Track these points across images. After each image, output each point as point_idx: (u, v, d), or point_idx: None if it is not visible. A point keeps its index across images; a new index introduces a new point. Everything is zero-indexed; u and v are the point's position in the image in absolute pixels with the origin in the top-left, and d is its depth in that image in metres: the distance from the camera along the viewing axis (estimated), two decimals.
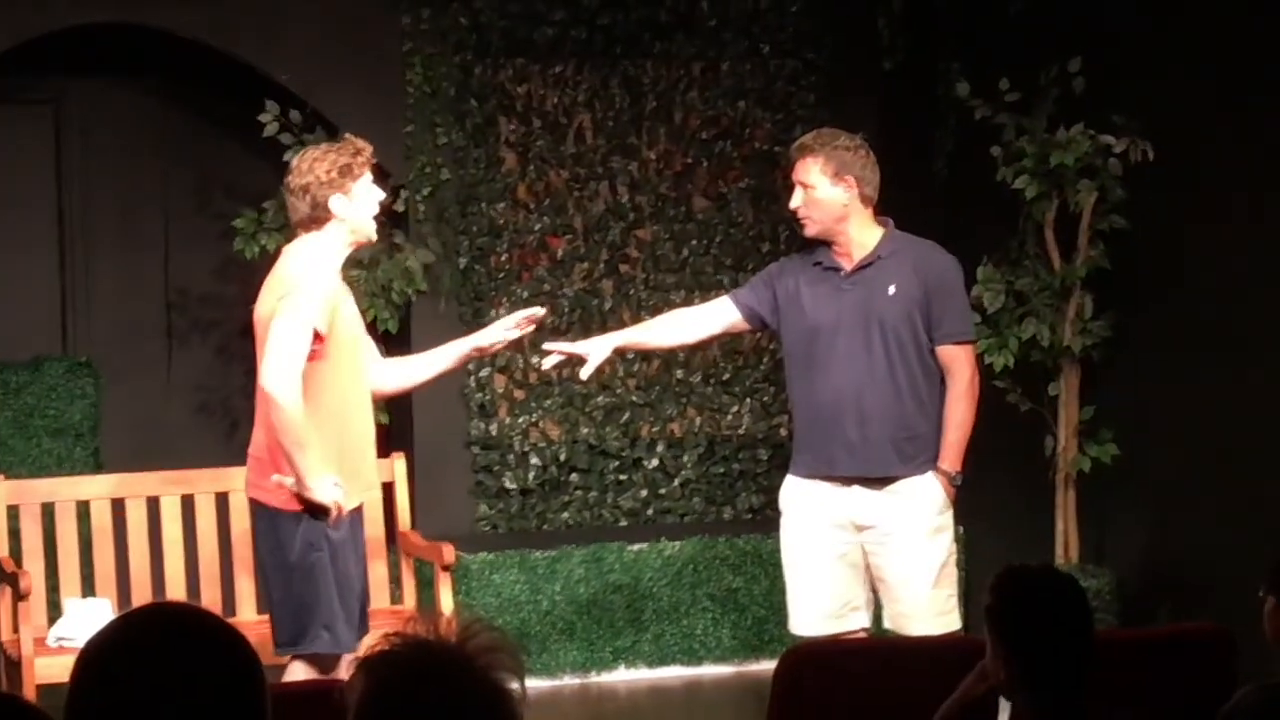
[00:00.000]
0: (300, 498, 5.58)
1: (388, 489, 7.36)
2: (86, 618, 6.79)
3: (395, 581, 7.46)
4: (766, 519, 8.15)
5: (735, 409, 8.86)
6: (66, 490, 7.23)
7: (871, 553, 5.98)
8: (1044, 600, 3.84)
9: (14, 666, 6.65)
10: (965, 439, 5.98)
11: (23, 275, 8.82)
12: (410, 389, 6.44)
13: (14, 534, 7.10)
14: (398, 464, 7.45)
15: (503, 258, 8.65)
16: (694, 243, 8.83)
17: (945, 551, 6.00)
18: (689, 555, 8.17)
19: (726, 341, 8.43)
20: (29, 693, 6.46)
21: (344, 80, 8.36)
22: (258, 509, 5.74)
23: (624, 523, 8.69)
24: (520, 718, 2.49)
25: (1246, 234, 7.08)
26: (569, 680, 8.03)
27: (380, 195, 5.80)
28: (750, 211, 8.88)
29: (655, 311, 8.67)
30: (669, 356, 8.69)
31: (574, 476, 8.68)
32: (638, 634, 8.09)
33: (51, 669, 6.53)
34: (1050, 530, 7.74)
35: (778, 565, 6.24)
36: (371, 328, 6.90)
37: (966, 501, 6.37)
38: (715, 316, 6.23)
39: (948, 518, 6.02)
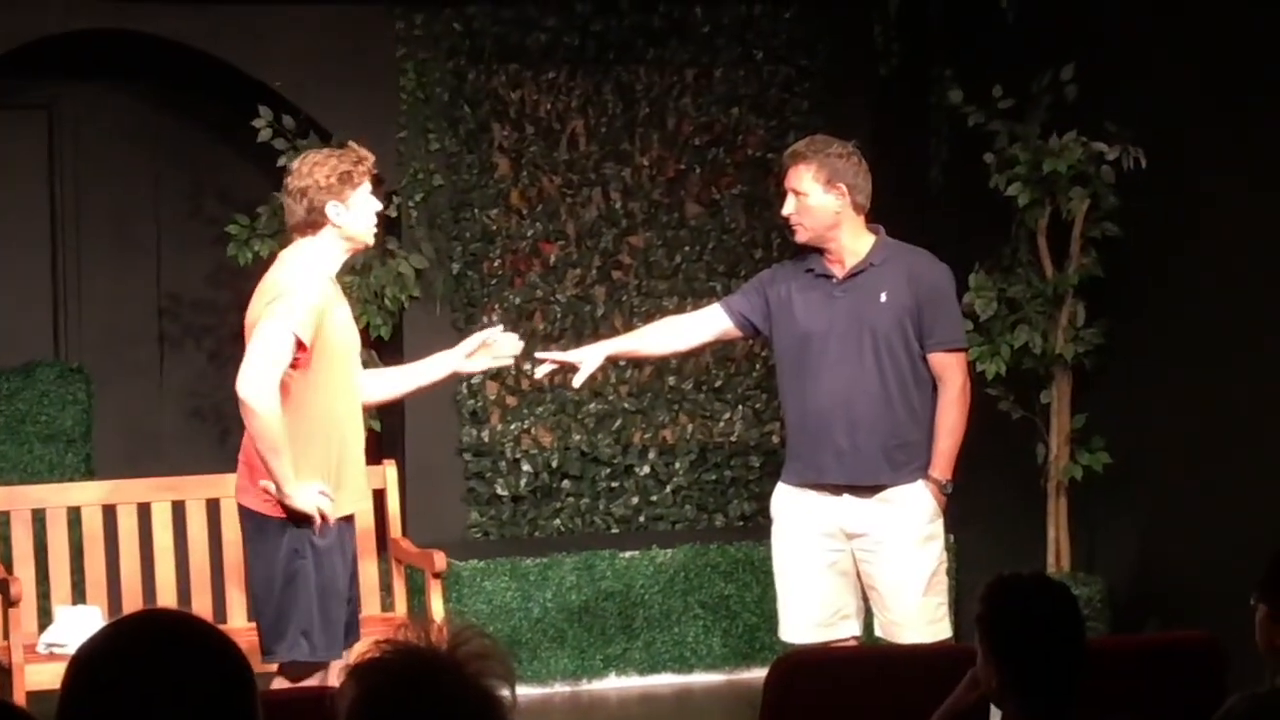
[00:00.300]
0: (285, 505, 5.58)
1: (379, 495, 7.35)
2: (77, 624, 6.78)
3: (386, 588, 7.45)
4: (758, 526, 8.14)
5: (727, 416, 8.86)
6: (57, 496, 7.21)
7: (862, 561, 5.98)
8: (1035, 608, 3.84)
9: (4, 673, 6.64)
10: (956, 447, 5.98)
11: (15, 280, 8.82)
12: (392, 400, 6.44)
13: (4, 540, 7.10)
14: (389, 470, 7.44)
15: (495, 264, 8.65)
16: (687, 249, 8.83)
17: (936, 560, 6.00)
18: (681, 562, 8.17)
19: (718, 348, 8.43)
20: (19, 699, 6.44)
21: (337, 86, 8.36)
22: (245, 515, 5.74)
23: (615, 530, 8.68)
24: None
25: (1239, 241, 7.09)
26: (560, 687, 8.03)
27: (378, 205, 5.78)
28: (743, 218, 8.88)
29: (648, 318, 8.68)
30: (661, 363, 8.68)
31: (566, 483, 8.68)
32: (629, 641, 8.09)
33: (42, 676, 6.52)
34: (1042, 538, 7.74)
35: (769, 573, 6.23)
36: (364, 334, 6.89)
37: (958, 509, 6.37)
38: (707, 324, 6.23)
39: (938, 526, 6.02)
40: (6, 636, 6.67)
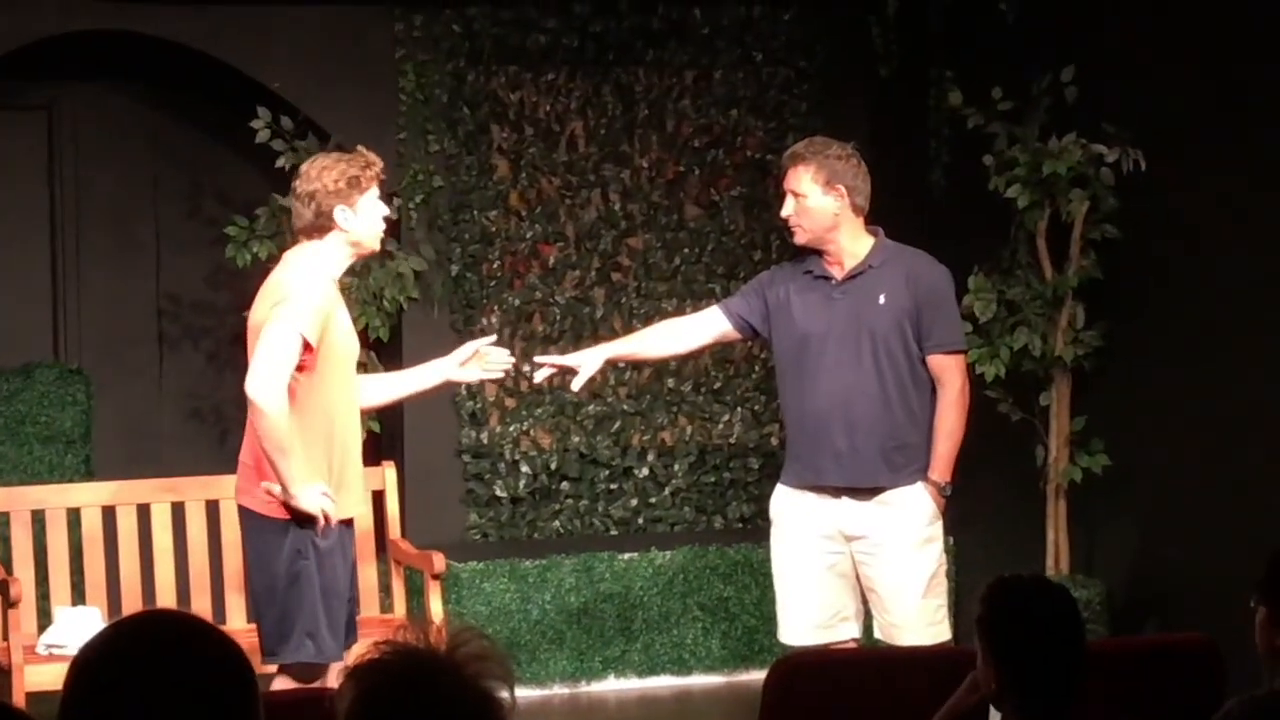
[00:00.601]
0: (288, 506, 5.58)
1: (378, 497, 7.35)
2: (76, 625, 6.78)
3: (385, 590, 7.45)
4: (757, 528, 8.15)
5: (726, 418, 8.86)
6: (57, 498, 7.21)
7: (861, 563, 5.98)
8: (1036, 610, 3.84)
9: (4, 674, 6.64)
10: (955, 449, 5.98)
11: (14, 281, 8.81)
12: (387, 406, 6.46)
13: (4, 541, 7.10)
14: (388, 472, 7.44)
15: (494, 265, 8.65)
16: (686, 251, 8.84)
17: (935, 562, 6.00)
18: (679, 564, 8.17)
19: (717, 350, 8.42)
20: (18, 700, 6.44)
21: (336, 87, 8.36)
22: (246, 516, 5.74)
23: (614, 532, 8.68)
24: None
25: (1238, 244, 7.09)
26: (558, 689, 8.03)
27: (385, 211, 5.79)
28: (742, 220, 8.89)
29: (647, 320, 8.68)
30: (660, 366, 8.68)
31: (565, 485, 8.68)
32: (628, 643, 8.09)
33: (42, 677, 6.52)
34: (1041, 540, 7.74)
35: (768, 575, 6.23)
36: (363, 335, 6.89)
37: (957, 511, 6.37)
38: (706, 326, 6.23)
39: (937, 528, 6.02)
40: (6, 637, 6.66)
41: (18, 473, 8.26)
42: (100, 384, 8.65)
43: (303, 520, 5.60)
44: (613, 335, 8.67)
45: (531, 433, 8.68)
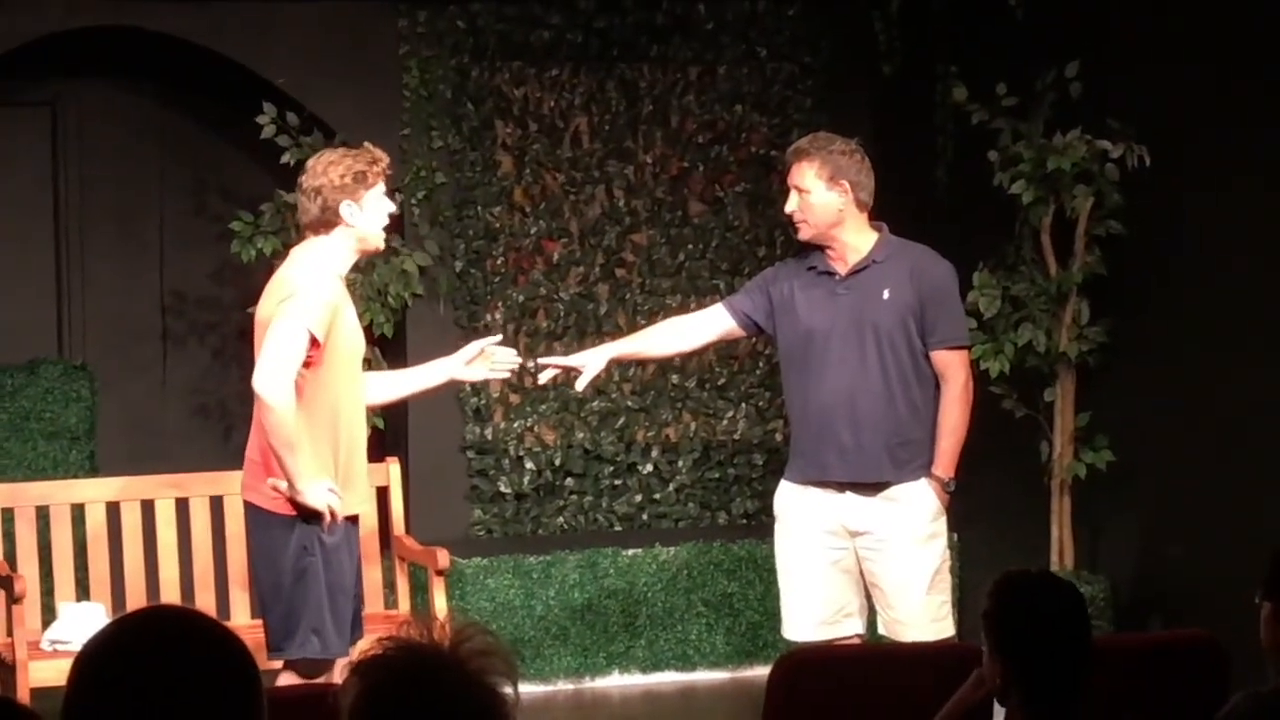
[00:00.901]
0: (294, 501, 5.59)
1: (383, 493, 7.36)
2: (81, 621, 6.79)
3: (389, 586, 7.45)
4: (761, 524, 8.15)
5: (730, 414, 8.86)
6: (61, 493, 7.22)
7: (865, 559, 5.98)
8: (1043, 606, 3.83)
9: (8, 670, 6.64)
10: (959, 445, 5.97)
11: (19, 277, 8.82)
12: (392, 403, 6.47)
13: (9, 537, 7.09)
14: (393, 468, 7.44)
15: (498, 261, 8.64)
16: (690, 247, 8.83)
17: (939, 558, 6.00)
18: (684, 560, 8.17)
19: (722, 346, 8.42)
20: (23, 696, 6.45)
21: (340, 83, 8.36)
22: (252, 512, 5.74)
23: (619, 528, 8.68)
24: None
25: (1243, 239, 7.08)
26: (563, 685, 8.03)
27: (391, 207, 5.79)
28: (746, 216, 8.88)
29: (651, 316, 8.69)
30: (664, 362, 8.69)
31: (569, 481, 8.68)
32: (632, 639, 8.09)
33: (46, 672, 6.52)
34: (1045, 536, 7.74)
35: (772, 570, 6.23)
36: (368, 331, 6.89)
37: (961, 507, 6.37)
38: (710, 324, 6.22)
39: (941, 524, 6.02)
40: (10, 633, 6.67)
41: (22, 469, 8.27)
42: (105, 380, 8.65)
43: (309, 516, 5.60)
44: (617, 331, 8.68)
45: (536, 429, 8.68)
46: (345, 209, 5.65)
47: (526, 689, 7.49)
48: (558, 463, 8.65)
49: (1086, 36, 7.72)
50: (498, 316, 8.61)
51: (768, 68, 8.89)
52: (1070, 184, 7.52)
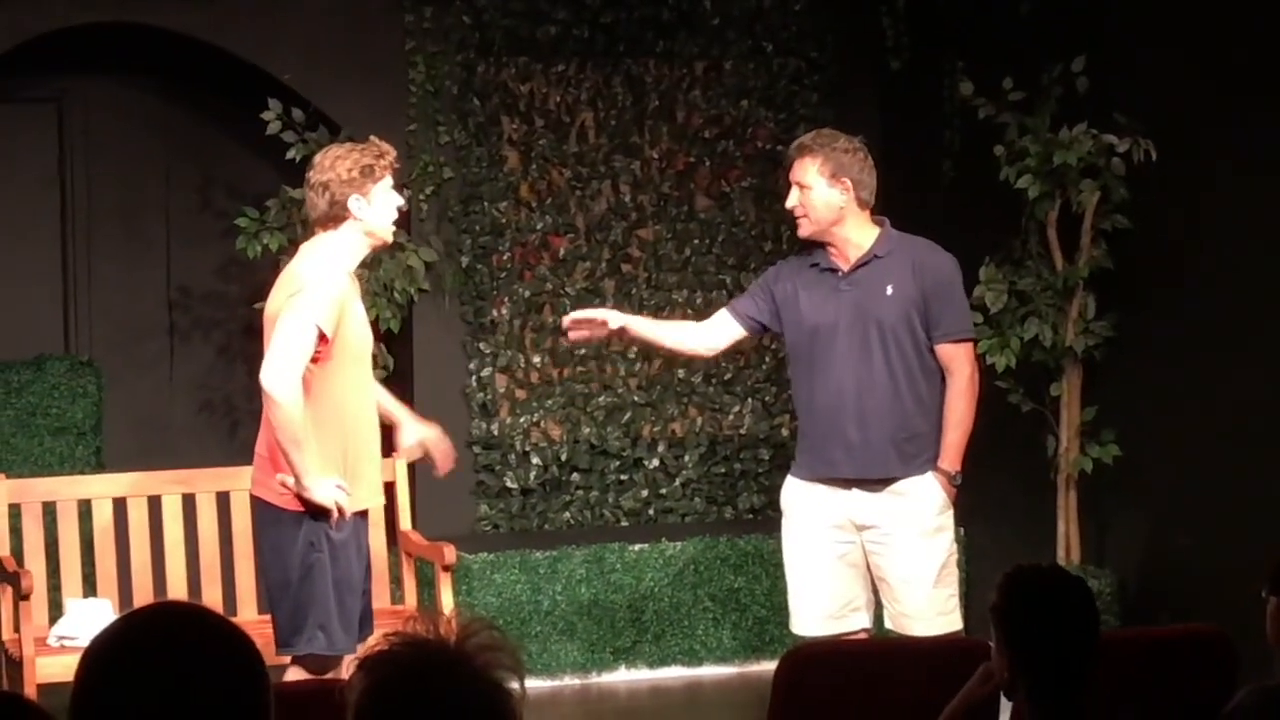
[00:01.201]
0: (301, 497, 5.59)
1: (389, 489, 7.35)
2: (88, 617, 6.79)
3: (396, 581, 7.46)
4: (768, 519, 8.14)
5: (737, 409, 8.86)
6: (68, 489, 7.22)
7: (872, 553, 5.98)
8: (1051, 601, 3.83)
9: (15, 666, 6.65)
10: (965, 438, 5.98)
11: (25, 274, 8.83)
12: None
13: (15, 533, 7.10)
14: (399, 464, 7.43)
15: (505, 257, 8.65)
16: (696, 242, 8.83)
17: (945, 551, 6.00)
18: (690, 556, 8.17)
19: None
20: (30, 692, 6.45)
21: (346, 79, 8.36)
22: (260, 507, 5.75)
23: (625, 523, 8.68)
24: (519, 717, 2.49)
25: (1249, 234, 7.08)
26: (569, 680, 8.03)
27: (399, 200, 5.79)
28: (753, 211, 8.88)
29: (657, 311, 8.70)
30: (671, 357, 8.69)
31: (575, 476, 8.68)
32: (638, 634, 8.09)
33: (53, 668, 6.53)
34: (1052, 531, 7.74)
35: (779, 565, 6.23)
36: (374, 327, 6.90)
37: (967, 502, 6.36)
38: (718, 331, 6.22)
39: (948, 517, 6.02)
40: (17, 629, 6.67)
41: (29, 465, 8.27)
42: (111, 376, 8.66)
43: (316, 512, 5.60)
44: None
45: (542, 424, 8.68)
46: (353, 203, 5.65)
47: (533, 684, 7.50)
48: (564, 458, 8.65)
49: (1093, 31, 7.72)
50: (504, 312, 8.61)
51: (774, 63, 8.89)
52: (1076, 178, 7.52)
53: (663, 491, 8.76)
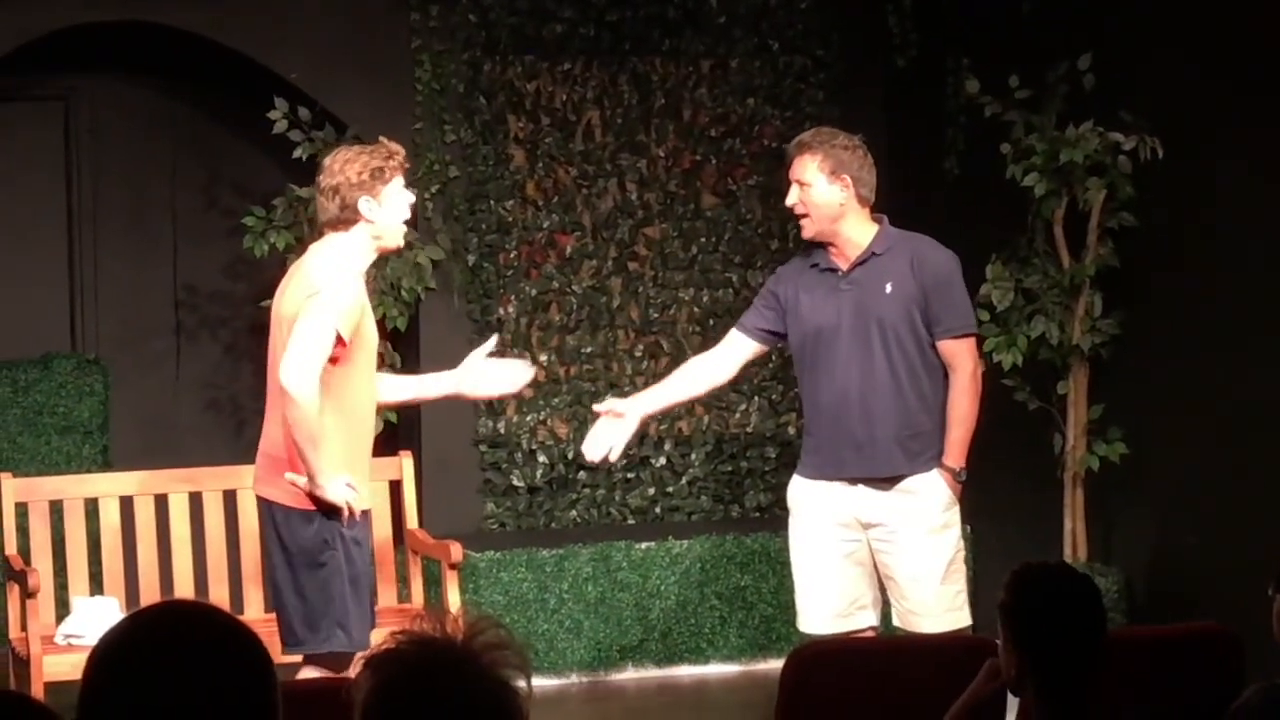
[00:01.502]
0: (313, 496, 5.59)
1: (396, 487, 7.36)
2: (94, 616, 6.80)
3: (403, 579, 7.46)
4: (775, 517, 8.14)
5: (743, 407, 8.86)
6: (75, 488, 7.22)
7: (878, 551, 5.98)
8: (1059, 599, 3.83)
9: (22, 664, 6.66)
10: (969, 434, 5.98)
11: (32, 272, 8.83)
12: (396, 405, 6.54)
13: (22, 531, 7.10)
14: (405, 462, 7.44)
15: (511, 255, 8.65)
16: (702, 240, 8.83)
17: (952, 548, 6.00)
18: (697, 554, 8.17)
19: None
20: (37, 690, 6.46)
21: (353, 77, 8.36)
22: (268, 507, 5.74)
23: (632, 521, 8.68)
24: (526, 716, 2.49)
25: (1256, 232, 7.07)
26: (576, 679, 8.03)
27: (410, 200, 5.79)
28: (759, 209, 8.88)
29: (664, 310, 8.70)
30: (676, 354, 8.71)
31: (582, 475, 8.68)
32: (645, 632, 8.09)
33: (59, 667, 6.54)
34: (1058, 529, 7.73)
35: (786, 563, 6.23)
36: (380, 325, 6.90)
37: (974, 500, 6.36)
38: (734, 352, 6.21)
39: (954, 514, 6.02)
40: (24, 628, 6.68)
41: (35, 463, 8.28)
42: (118, 374, 8.66)
43: (328, 511, 5.61)
44: (629, 325, 8.70)
45: (549, 422, 8.68)
46: (364, 205, 5.65)
47: (540, 682, 7.49)
48: (570, 456, 8.64)
49: (1099, 28, 7.71)
50: (510, 310, 8.61)
51: (780, 61, 8.88)
52: (1083, 176, 7.51)
53: (670, 490, 8.76)
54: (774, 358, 8.83)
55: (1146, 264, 7.55)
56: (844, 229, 5.96)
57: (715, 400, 8.81)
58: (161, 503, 7.15)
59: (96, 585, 7.12)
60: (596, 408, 6.30)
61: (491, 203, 8.60)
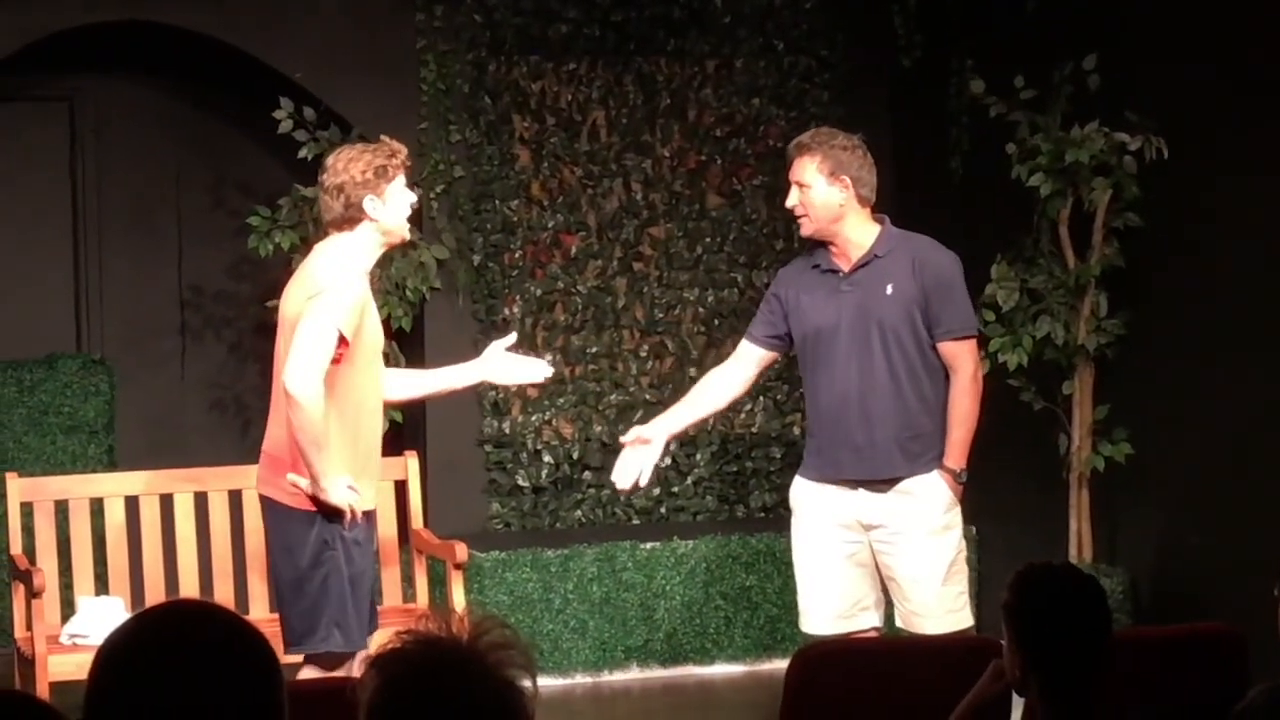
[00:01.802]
0: (314, 498, 5.59)
1: (401, 487, 7.37)
2: (100, 615, 6.80)
3: (408, 579, 7.46)
4: (779, 517, 8.14)
5: (748, 407, 8.86)
6: (80, 488, 7.23)
7: (880, 552, 5.98)
8: (1064, 599, 3.83)
9: (27, 664, 6.66)
10: (969, 436, 5.97)
11: (37, 273, 8.84)
12: (410, 401, 6.52)
13: (28, 531, 7.11)
14: (411, 462, 7.44)
15: (516, 255, 8.65)
16: (708, 240, 8.83)
17: (953, 549, 5.99)
18: (702, 554, 8.17)
19: (735, 341, 8.41)
20: (42, 690, 6.46)
21: (358, 77, 8.37)
22: (271, 507, 5.75)
23: (636, 521, 8.68)
24: (531, 716, 2.49)
25: (1261, 232, 7.07)
26: (581, 679, 8.03)
27: (413, 198, 5.80)
28: (764, 209, 8.88)
29: (669, 310, 8.70)
30: (681, 354, 8.72)
31: (587, 474, 8.68)
32: (650, 632, 8.09)
33: (65, 666, 6.54)
34: (1064, 529, 7.73)
35: (790, 564, 6.23)
36: (385, 325, 6.91)
37: (979, 500, 6.36)
38: (746, 362, 6.20)
39: (955, 515, 6.01)
40: (29, 628, 6.68)
41: (41, 463, 8.29)
42: (123, 374, 8.67)
43: (329, 512, 5.61)
44: (633, 325, 8.70)
45: (554, 422, 8.68)
46: (368, 204, 5.66)
47: (545, 682, 7.50)
48: (575, 456, 8.65)
49: (1104, 29, 7.71)
50: (515, 310, 8.61)
51: (785, 61, 8.89)
52: (1088, 176, 7.51)
53: (674, 490, 8.76)
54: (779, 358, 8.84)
55: (1151, 264, 7.55)
56: (844, 229, 5.96)
57: None
58: (167, 502, 7.15)
59: (102, 585, 7.12)
60: (622, 439, 6.25)
61: (496, 202, 8.60)
